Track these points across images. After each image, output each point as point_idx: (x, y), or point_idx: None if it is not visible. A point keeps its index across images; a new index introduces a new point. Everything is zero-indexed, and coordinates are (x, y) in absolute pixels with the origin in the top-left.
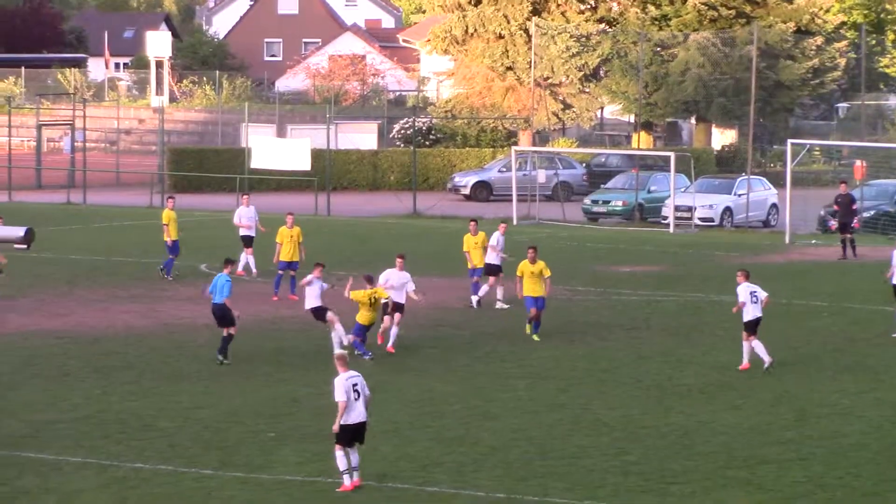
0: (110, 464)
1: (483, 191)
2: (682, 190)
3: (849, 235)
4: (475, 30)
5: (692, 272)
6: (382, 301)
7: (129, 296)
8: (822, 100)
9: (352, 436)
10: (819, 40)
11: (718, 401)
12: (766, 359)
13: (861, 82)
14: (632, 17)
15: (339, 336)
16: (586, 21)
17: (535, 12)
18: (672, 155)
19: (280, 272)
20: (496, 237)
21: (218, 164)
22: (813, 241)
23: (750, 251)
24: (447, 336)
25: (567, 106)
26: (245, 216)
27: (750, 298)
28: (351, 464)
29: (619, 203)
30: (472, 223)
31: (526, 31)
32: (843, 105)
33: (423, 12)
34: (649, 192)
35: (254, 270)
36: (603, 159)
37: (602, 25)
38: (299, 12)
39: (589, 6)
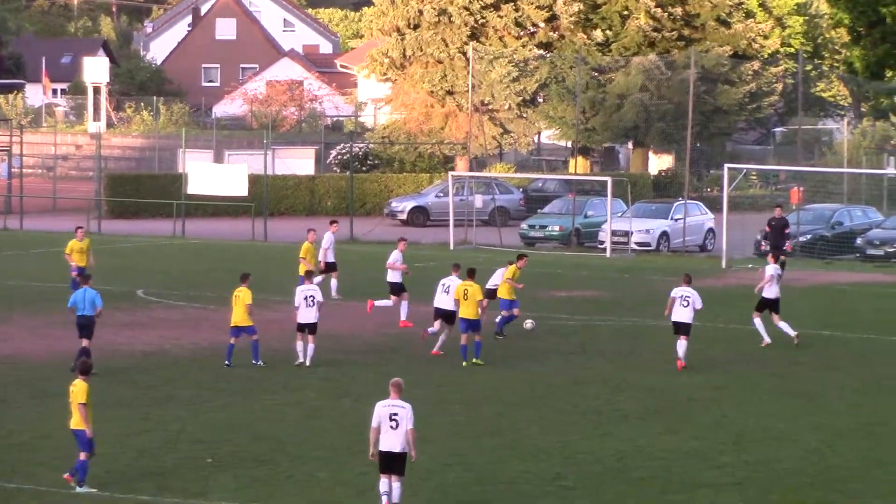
0: (47, 490)
1: (420, 216)
2: (619, 215)
3: (781, 257)
4: (413, 54)
5: (629, 297)
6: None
7: (66, 321)
8: (759, 124)
9: (385, 464)
10: (756, 65)
11: (655, 425)
12: (681, 354)
13: (798, 107)
14: (577, 41)
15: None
16: (524, 46)
17: (474, 37)
18: (609, 180)
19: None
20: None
21: (155, 189)
22: (749, 266)
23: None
24: (385, 361)
25: (505, 131)
26: None
27: (681, 302)
28: (385, 490)
29: (556, 228)
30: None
31: (464, 55)
32: (780, 129)
33: (361, 37)
34: (586, 216)
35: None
36: (540, 184)
37: (540, 51)
38: (237, 38)
39: (527, 31)
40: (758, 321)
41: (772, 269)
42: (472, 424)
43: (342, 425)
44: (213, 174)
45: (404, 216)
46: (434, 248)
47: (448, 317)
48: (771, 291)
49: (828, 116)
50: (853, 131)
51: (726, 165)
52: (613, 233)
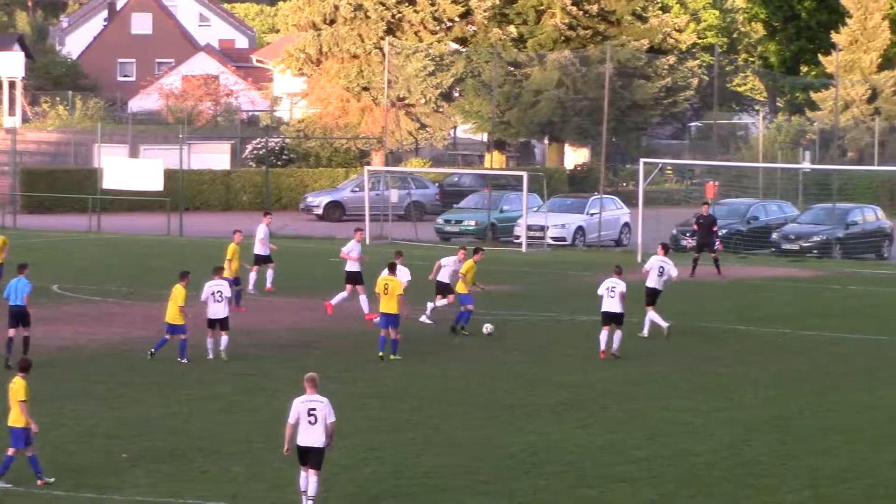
0: None
1: (336, 211)
2: (535, 209)
3: (712, 255)
4: (329, 49)
5: (544, 292)
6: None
7: None
8: (674, 119)
9: (303, 458)
10: (672, 59)
11: (570, 420)
12: (603, 345)
13: (714, 101)
14: (493, 36)
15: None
16: (440, 41)
17: (390, 32)
18: (525, 174)
19: None
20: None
21: (70, 184)
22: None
23: (602, 270)
24: (300, 356)
25: (421, 125)
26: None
27: (608, 293)
28: (306, 488)
29: (472, 223)
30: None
31: (381, 50)
32: (695, 124)
33: (277, 32)
34: (502, 211)
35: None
36: (456, 179)
37: (456, 45)
38: (153, 32)
39: (443, 26)
40: (651, 312)
41: (657, 260)
42: (387, 419)
43: (257, 420)
44: (128, 169)
45: (320, 211)
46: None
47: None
48: (653, 281)
49: (743, 111)
50: (768, 126)
51: (642, 160)
52: (529, 227)
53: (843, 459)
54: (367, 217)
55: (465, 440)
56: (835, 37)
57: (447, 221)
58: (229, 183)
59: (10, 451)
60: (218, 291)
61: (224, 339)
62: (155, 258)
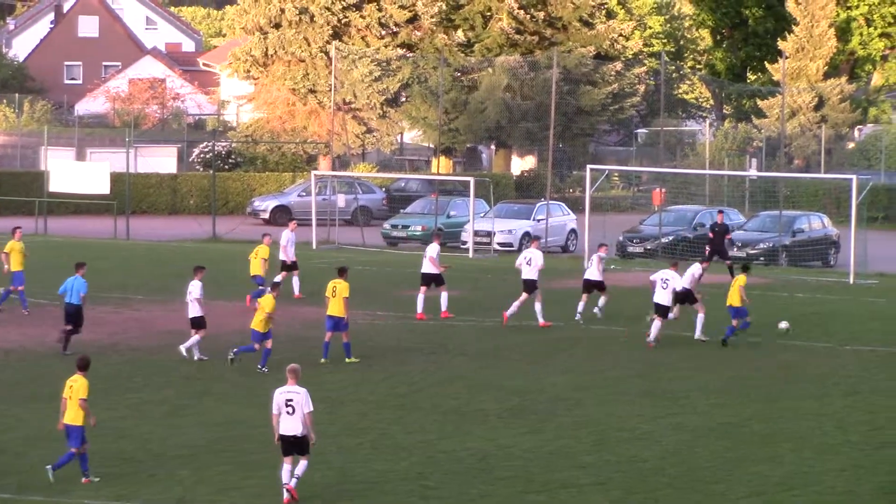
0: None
1: (282, 215)
2: (482, 215)
3: (726, 262)
4: (276, 52)
5: (491, 297)
6: None
7: None
8: (621, 125)
9: (287, 447)
10: (619, 66)
11: (517, 425)
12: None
13: (660, 108)
14: (438, 42)
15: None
16: (386, 46)
17: (336, 36)
18: (472, 180)
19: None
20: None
21: (16, 187)
22: (612, 266)
23: (548, 276)
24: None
25: (368, 130)
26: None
27: (660, 284)
28: (287, 480)
29: (419, 228)
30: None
31: (327, 54)
32: (642, 131)
33: (224, 35)
34: (449, 217)
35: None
36: (403, 184)
37: (403, 51)
38: (100, 35)
39: (390, 31)
40: (582, 303)
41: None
42: (334, 423)
43: (204, 423)
44: (75, 172)
45: (266, 215)
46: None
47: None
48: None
49: (690, 118)
50: (715, 133)
51: (588, 166)
52: (476, 233)
53: (790, 467)
54: (313, 222)
55: (413, 445)
56: (781, 44)
57: (394, 227)
58: (176, 187)
59: (73, 449)
60: (189, 291)
61: (193, 338)
62: (101, 261)
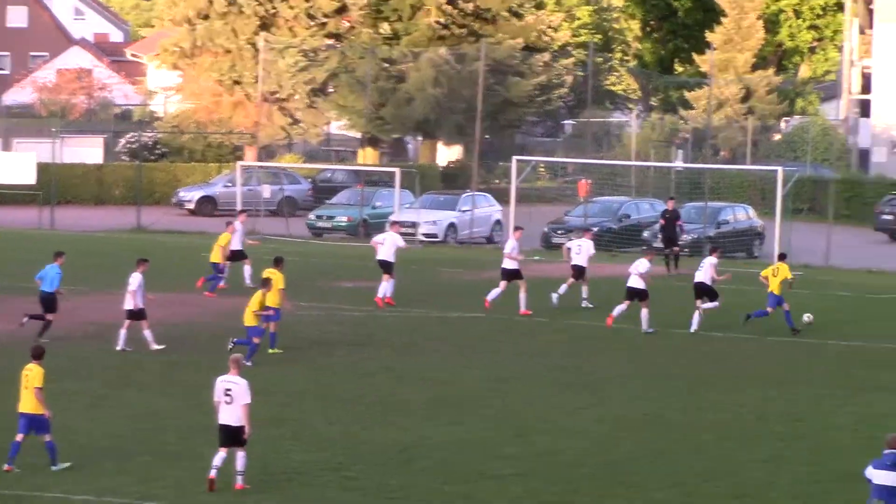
0: None
1: (208, 205)
2: (407, 206)
3: (675, 249)
4: (203, 44)
5: (416, 288)
6: None
7: None
8: (549, 116)
9: (224, 438)
10: (546, 57)
11: (439, 416)
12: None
13: (588, 99)
14: (366, 33)
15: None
16: (313, 36)
17: (264, 27)
18: (397, 171)
19: None
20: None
21: None
22: (536, 258)
23: (473, 267)
24: (171, 351)
25: (294, 121)
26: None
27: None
28: (218, 464)
29: (344, 219)
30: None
31: (254, 45)
32: (569, 122)
33: (152, 27)
34: (374, 207)
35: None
36: (329, 175)
37: (330, 41)
38: (28, 25)
39: (317, 22)
40: (496, 291)
41: (636, 263)
42: (257, 414)
43: (127, 415)
44: (0, 162)
45: (192, 206)
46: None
47: None
48: (510, 264)
49: (617, 109)
50: (642, 124)
51: (515, 157)
52: (401, 224)
53: (711, 458)
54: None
55: (335, 436)
56: (710, 36)
57: (319, 217)
58: (102, 177)
59: (19, 437)
60: (128, 283)
61: (146, 332)
62: (25, 252)
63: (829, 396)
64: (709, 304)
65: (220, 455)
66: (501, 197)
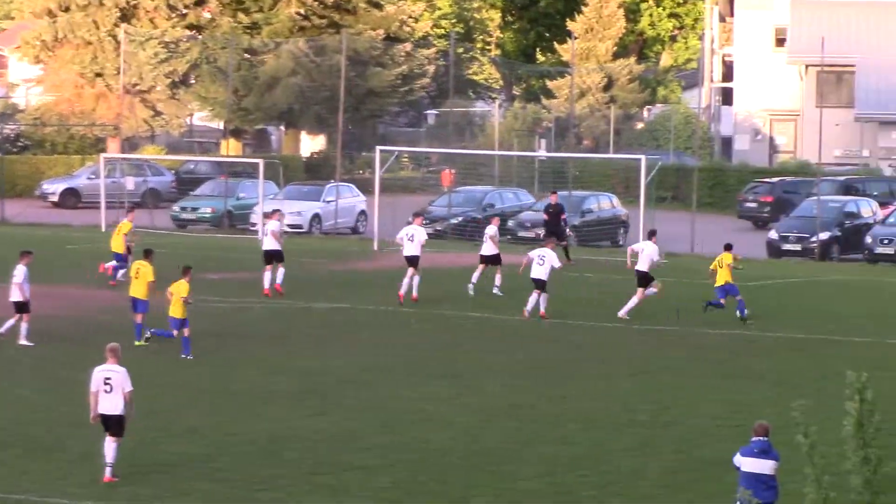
0: None
1: (71, 198)
2: (271, 197)
3: (562, 243)
4: (65, 36)
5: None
6: None
7: None
8: (411, 107)
9: (104, 426)
10: (408, 47)
11: (307, 407)
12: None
13: (450, 89)
14: (224, 25)
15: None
16: (174, 28)
17: (124, 19)
18: (261, 162)
19: None
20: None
21: None
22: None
23: (339, 258)
24: (37, 343)
25: (157, 113)
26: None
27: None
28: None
29: (208, 210)
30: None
31: (115, 37)
32: (432, 112)
33: (13, 18)
34: (238, 199)
35: None
36: (192, 166)
37: (191, 32)
38: None
39: (178, 13)
40: (408, 279)
41: (537, 251)
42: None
43: None
44: None
45: (56, 198)
46: (86, 230)
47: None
48: (487, 249)
49: (480, 99)
50: (505, 114)
51: (378, 148)
52: (265, 215)
53: (579, 447)
54: (102, 204)
55: (204, 427)
56: (571, 25)
57: (183, 209)
58: None
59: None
60: (12, 275)
61: (18, 323)
62: None
63: (696, 384)
64: (651, 290)
65: (109, 442)
66: (365, 187)
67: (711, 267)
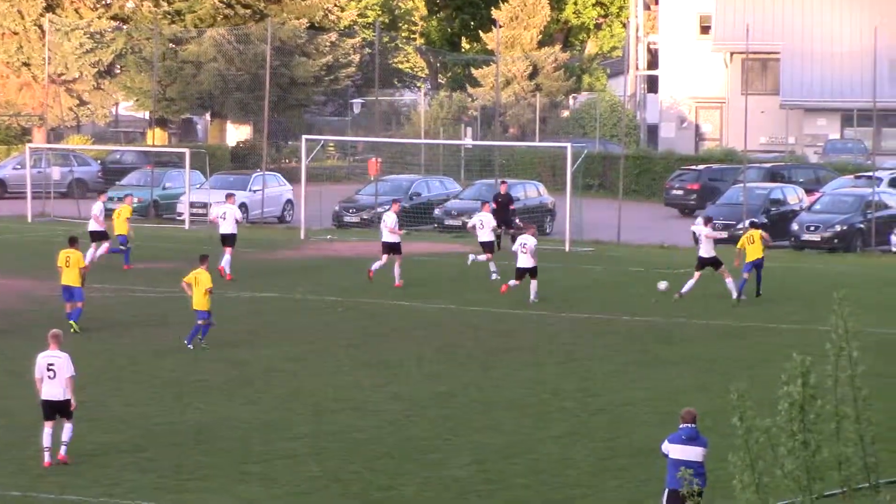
0: None
1: None
2: (198, 186)
3: (510, 231)
4: None
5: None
6: None
7: None
8: (337, 96)
9: (49, 411)
10: (333, 37)
11: (236, 396)
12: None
13: (375, 78)
14: (145, 12)
15: None
16: (99, 18)
17: (50, 8)
18: (187, 151)
19: None
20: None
21: None
22: (328, 237)
23: (266, 247)
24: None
25: (82, 102)
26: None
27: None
28: (53, 441)
29: (135, 200)
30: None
31: (40, 27)
32: (357, 101)
33: None
34: (164, 188)
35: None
36: (118, 156)
37: (116, 23)
38: None
39: (103, 3)
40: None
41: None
42: None
43: None
44: None
45: None
46: (12, 220)
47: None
48: (390, 237)
49: (406, 87)
50: (430, 102)
51: (304, 137)
52: (192, 204)
53: (508, 435)
54: (28, 195)
55: (132, 417)
56: (495, 13)
57: (110, 199)
58: None
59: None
60: None
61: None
62: None
63: (624, 371)
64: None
65: (47, 431)
66: (292, 176)
67: (739, 246)
